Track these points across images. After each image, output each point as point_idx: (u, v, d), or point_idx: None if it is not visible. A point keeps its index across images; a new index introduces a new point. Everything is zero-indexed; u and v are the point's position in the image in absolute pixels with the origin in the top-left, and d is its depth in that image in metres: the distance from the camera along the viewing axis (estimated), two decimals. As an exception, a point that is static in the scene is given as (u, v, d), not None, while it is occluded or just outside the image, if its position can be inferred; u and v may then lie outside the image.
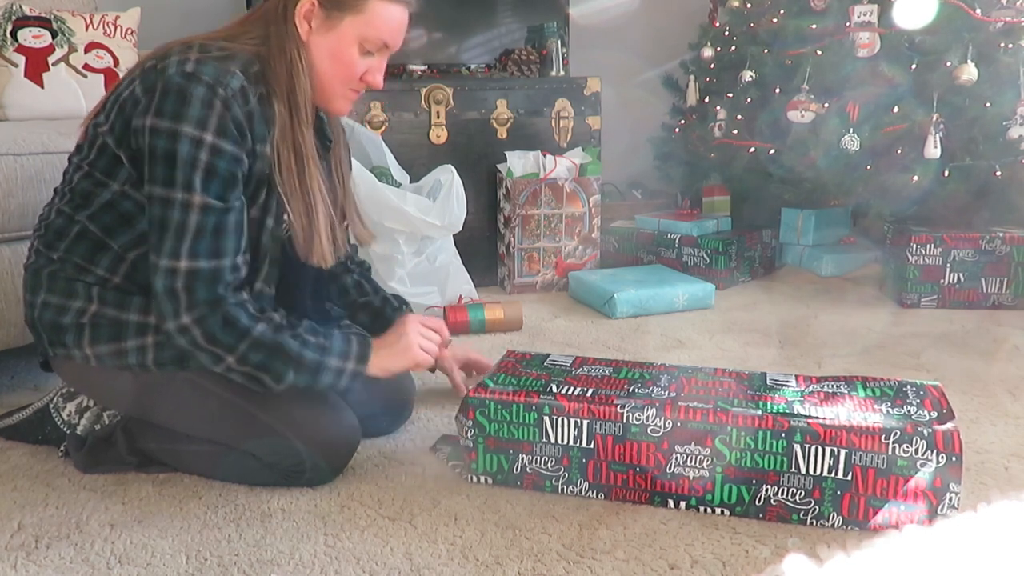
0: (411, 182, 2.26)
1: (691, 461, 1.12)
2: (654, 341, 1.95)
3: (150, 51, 1.15)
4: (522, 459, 1.19)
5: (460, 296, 2.19)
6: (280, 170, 1.14)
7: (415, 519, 1.12)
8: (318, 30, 1.16)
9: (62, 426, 1.31)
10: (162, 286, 1.07)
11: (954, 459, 1.05)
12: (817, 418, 1.08)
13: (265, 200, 1.16)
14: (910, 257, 2.17)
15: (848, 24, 2.23)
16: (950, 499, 1.07)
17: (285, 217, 1.18)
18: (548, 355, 1.35)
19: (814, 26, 2.32)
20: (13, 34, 2.07)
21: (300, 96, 1.14)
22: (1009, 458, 1.30)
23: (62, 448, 1.30)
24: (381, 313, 1.45)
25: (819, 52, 2.29)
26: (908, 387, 1.19)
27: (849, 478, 1.07)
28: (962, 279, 2.16)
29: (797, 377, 1.24)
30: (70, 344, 1.16)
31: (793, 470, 1.08)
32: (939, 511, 1.07)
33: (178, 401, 1.18)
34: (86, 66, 2.15)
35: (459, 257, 2.26)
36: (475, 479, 1.22)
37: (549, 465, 1.18)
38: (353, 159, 2.03)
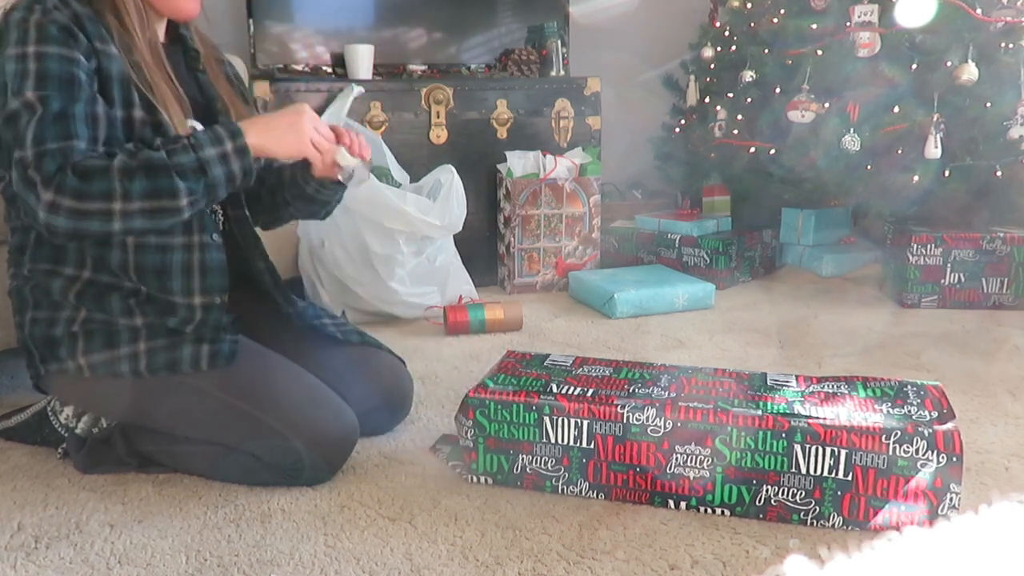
0: (411, 182, 2.26)
1: (691, 461, 1.11)
2: (654, 341, 1.95)
3: None
4: (522, 459, 1.18)
5: (460, 296, 2.19)
6: (135, 77, 1.12)
7: (415, 519, 1.12)
8: None
9: (60, 429, 1.31)
10: (16, 180, 1.03)
11: (954, 459, 1.05)
12: (817, 418, 1.08)
13: (144, 103, 1.13)
14: (910, 257, 2.17)
15: (848, 24, 2.23)
16: (950, 499, 1.06)
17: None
18: (548, 355, 1.35)
19: (814, 26, 2.32)
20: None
21: (122, 7, 1.13)
22: (1009, 458, 1.30)
23: (61, 449, 1.30)
24: (292, 179, 1.33)
25: (819, 52, 2.29)
26: (908, 387, 1.19)
27: (849, 478, 1.07)
28: (962, 279, 2.16)
29: (797, 377, 1.24)
30: (64, 356, 1.16)
31: (793, 470, 1.08)
32: (939, 511, 1.07)
33: (174, 405, 1.18)
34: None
35: (459, 257, 2.26)
36: (475, 479, 1.22)
37: (549, 465, 1.18)
38: None
